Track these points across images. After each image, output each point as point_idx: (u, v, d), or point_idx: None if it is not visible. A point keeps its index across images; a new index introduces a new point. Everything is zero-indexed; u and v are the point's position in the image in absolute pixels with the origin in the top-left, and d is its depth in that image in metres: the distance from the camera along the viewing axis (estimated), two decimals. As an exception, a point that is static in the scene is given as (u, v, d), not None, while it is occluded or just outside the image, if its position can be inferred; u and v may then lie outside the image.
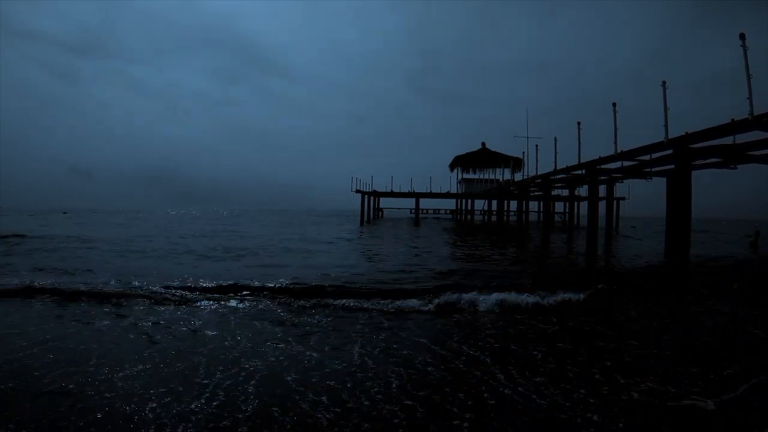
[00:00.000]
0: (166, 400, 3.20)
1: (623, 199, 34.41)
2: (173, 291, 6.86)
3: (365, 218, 39.36)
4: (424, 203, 41.99)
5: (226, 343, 4.59)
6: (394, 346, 4.62)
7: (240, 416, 3.00)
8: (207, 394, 3.29)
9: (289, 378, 3.66)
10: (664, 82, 10.30)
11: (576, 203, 32.85)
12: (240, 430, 2.84)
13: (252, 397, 3.27)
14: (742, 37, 8.05)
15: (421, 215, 42.20)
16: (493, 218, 36.25)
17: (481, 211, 45.33)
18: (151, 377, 3.63)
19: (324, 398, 3.27)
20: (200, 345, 4.49)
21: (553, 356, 4.28)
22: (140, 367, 3.84)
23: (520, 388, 3.49)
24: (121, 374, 3.67)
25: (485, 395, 3.37)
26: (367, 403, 3.22)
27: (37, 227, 24.10)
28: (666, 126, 10.08)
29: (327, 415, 3.01)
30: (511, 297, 6.55)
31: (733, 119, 8.41)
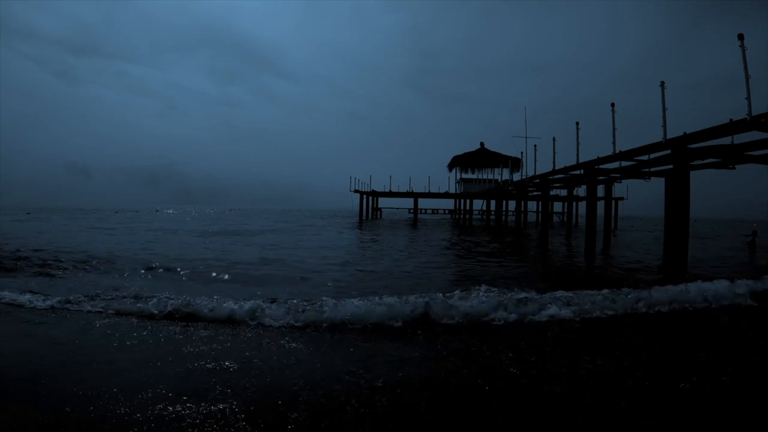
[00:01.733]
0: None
1: (621, 199, 34.55)
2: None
3: (363, 218, 39.32)
4: (423, 203, 41.85)
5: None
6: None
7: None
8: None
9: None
10: (662, 83, 10.30)
11: (574, 203, 32.93)
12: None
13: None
14: (741, 37, 8.05)
15: (419, 215, 42.09)
16: (492, 218, 36.30)
17: (479, 211, 45.33)
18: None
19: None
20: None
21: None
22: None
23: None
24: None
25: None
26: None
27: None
28: (664, 126, 10.07)
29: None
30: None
31: (731, 120, 8.41)
